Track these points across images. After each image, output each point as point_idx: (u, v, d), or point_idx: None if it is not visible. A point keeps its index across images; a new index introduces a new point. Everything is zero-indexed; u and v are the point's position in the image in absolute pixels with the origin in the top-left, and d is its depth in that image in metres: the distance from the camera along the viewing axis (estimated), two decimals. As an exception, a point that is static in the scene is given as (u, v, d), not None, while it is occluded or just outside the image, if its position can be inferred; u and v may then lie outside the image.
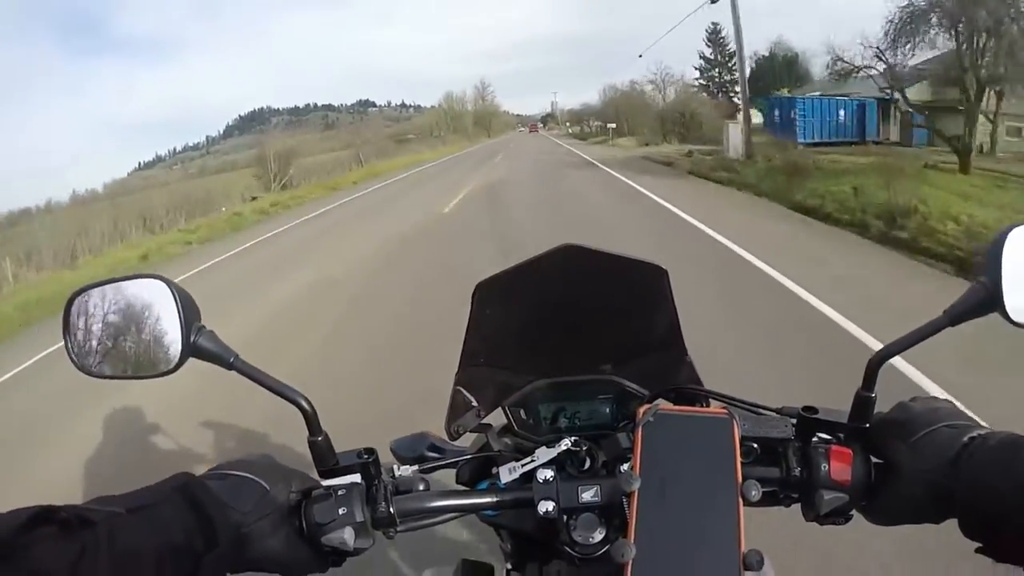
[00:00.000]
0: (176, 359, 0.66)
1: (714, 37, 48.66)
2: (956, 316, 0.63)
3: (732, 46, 41.46)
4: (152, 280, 0.67)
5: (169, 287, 0.66)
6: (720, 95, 46.46)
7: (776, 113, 24.05)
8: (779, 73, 39.30)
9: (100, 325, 0.68)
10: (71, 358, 0.67)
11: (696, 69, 50.34)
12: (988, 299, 0.62)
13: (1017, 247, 0.62)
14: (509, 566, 0.88)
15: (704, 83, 49.85)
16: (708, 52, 49.76)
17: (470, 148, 54.45)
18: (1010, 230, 0.63)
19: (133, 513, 0.56)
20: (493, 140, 75.97)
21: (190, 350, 0.66)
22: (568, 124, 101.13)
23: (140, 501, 0.58)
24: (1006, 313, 0.61)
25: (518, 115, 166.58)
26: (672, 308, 0.82)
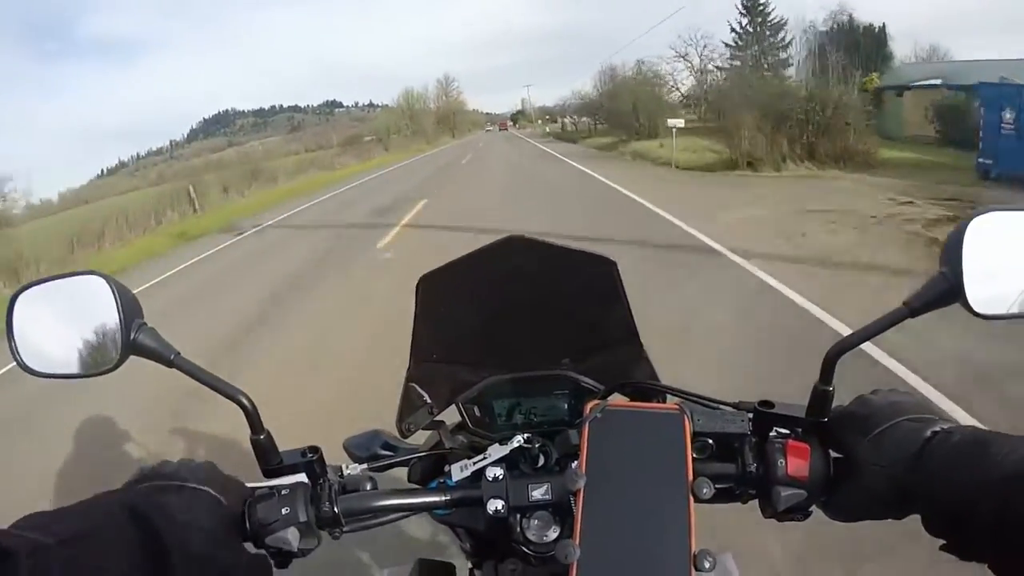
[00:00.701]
0: (116, 357, 0.67)
1: (751, 3, 35.08)
2: (917, 307, 0.63)
3: (777, 13, 33.59)
4: (91, 276, 0.68)
5: (109, 284, 0.67)
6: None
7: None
8: (855, 50, 23.95)
9: (43, 323, 0.69)
10: (15, 358, 0.67)
11: (726, 46, 36.22)
12: (949, 290, 0.62)
13: (977, 238, 0.62)
14: (470, 565, 0.89)
15: (734, 64, 35.12)
16: (741, 24, 35.30)
17: (416, 158, 40.04)
18: (970, 221, 0.63)
19: (64, 545, 0.49)
20: (456, 142, 65.88)
21: (130, 348, 0.66)
22: (541, 122, 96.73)
23: (75, 528, 0.51)
24: (967, 303, 0.61)
25: (488, 113, 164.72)
26: (624, 302, 0.83)
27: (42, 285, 0.70)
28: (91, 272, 0.68)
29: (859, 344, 0.66)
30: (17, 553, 0.46)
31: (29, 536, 0.48)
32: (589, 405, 0.66)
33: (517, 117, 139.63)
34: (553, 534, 0.71)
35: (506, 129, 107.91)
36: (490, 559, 0.80)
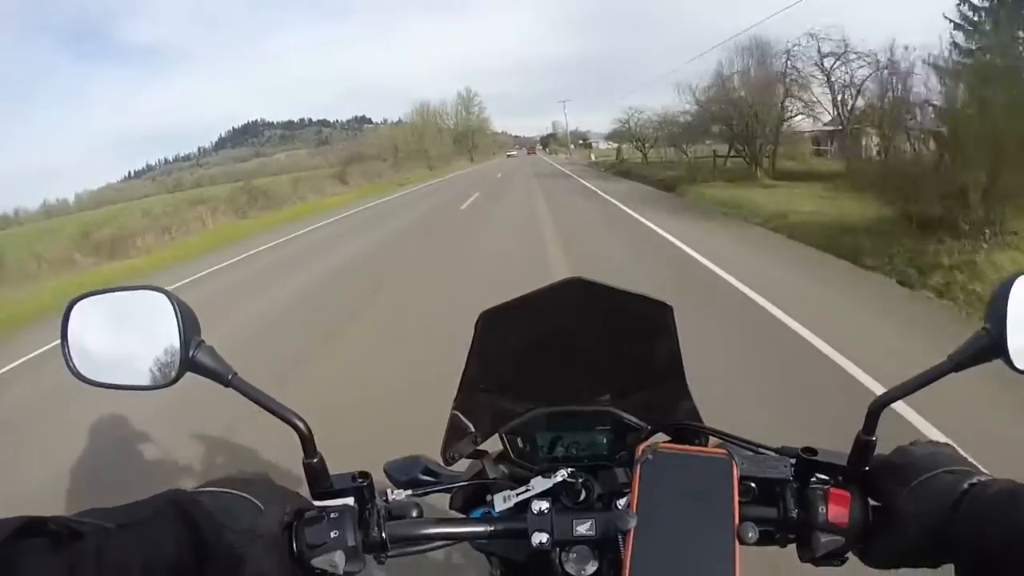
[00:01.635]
0: (174, 373, 0.69)
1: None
2: (960, 362, 0.66)
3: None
4: (153, 292, 0.71)
5: (170, 300, 0.70)
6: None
7: None
8: None
9: (99, 334, 0.72)
10: (68, 364, 0.70)
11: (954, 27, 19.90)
12: (992, 345, 0.65)
13: (1021, 295, 0.65)
14: None
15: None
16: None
17: (405, 192, 32.57)
18: (1016, 278, 0.66)
19: (123, 529, 0.58)
20: (469, 170, 59.35)
21: (188, 364, 0.69)
22: (574, 146, 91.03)
23: (131, 516, 0.60)
24: (1009, 360, 0.65)
25: (516, 136, 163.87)
26: (675, 344, 0.86)
27: (101, 295, 0.73)
28: (153, 287, 0.72)
29: (901, 398, 0.69)
30: (85, 534, 0.55)
31: (94, 522, 0.57)
32: (640, 447, 0.70)
33: (548, 140, 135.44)
34: (591, 568, 0.74)
35: (534, 153, 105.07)
36: None
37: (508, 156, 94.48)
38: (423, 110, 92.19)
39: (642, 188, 22.02)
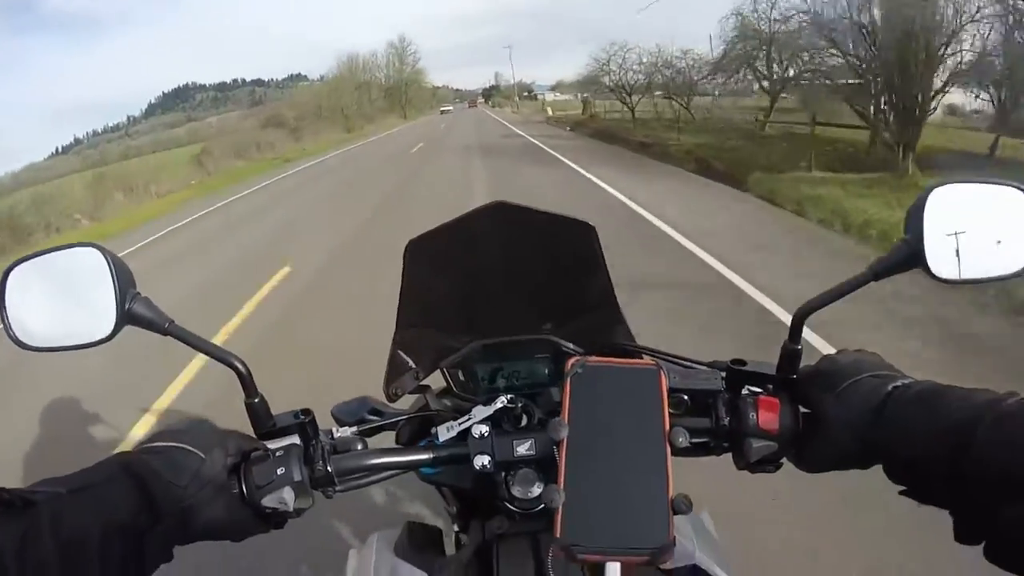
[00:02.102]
0: (112, 327, 0.72)
1: None
2: (880, 271, 0.72)
3: None
4: (86, 248, 0.73)
5: (104, 255, 0.72)
6: None
7: None
8: None
9: (36, 297, 0.73)
10: (8, 333, 0.72)
11: None
12: (911, 255, 0.70)
13: (938, 206, 0.70)
14: (456, 528, 0.97)
15: None
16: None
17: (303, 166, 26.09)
18: (931, 190, 0.71)
19: (75, 494, 0.61)
20: (396, 130, 52.50)
21: (125, 317, 0.72)
22: (519, 99, 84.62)
23: (81, 482, 0.63)
24: (928, 268, 0.70)
25: (457, 90, 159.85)
26: (603, 266, 0.90)
27: (35, 259, 0.75)
28: (86, 244, 0.73)
29: (824, 305, 0.74)
30: (38, 503, 0.58)
31: (47, 489, 0.60)
32: (570, 361, 0.73)
33: (491, 93, 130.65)
34: (537, 490, 0.78)
35: (475, 106, 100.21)
36: (476, 519, 0.86)
37: (442, 112, 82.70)
38: (351, 63, 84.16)
39: (679, 175, 13.16)
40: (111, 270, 0.71)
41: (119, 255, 0.73)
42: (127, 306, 0.72)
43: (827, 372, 0.75)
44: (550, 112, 46.57)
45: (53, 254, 0.74)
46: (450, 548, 1.01)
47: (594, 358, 0.73)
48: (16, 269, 0.74)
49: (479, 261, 0.90)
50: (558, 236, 0.90)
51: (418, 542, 0.92)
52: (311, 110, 60.24)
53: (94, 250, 0.72)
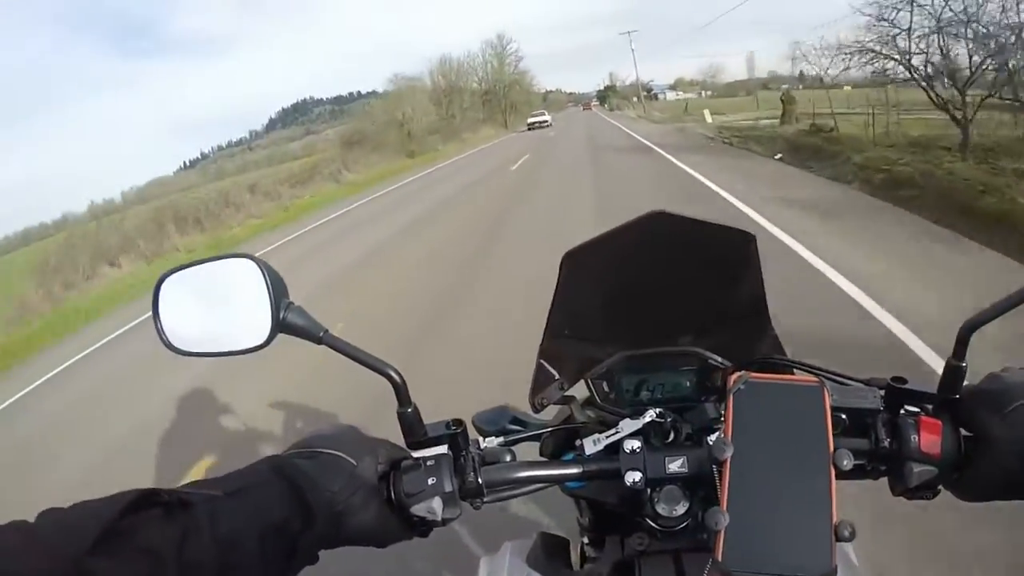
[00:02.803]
0: (266, 335, 0.75)
1: None
2: None
3: None
4: (241, 260, 0.77)
5: (258, 265, 0.75)
6: None
7: None
8: None
9: (190, 305, 0.78)
10: (161, 337, 0.77)
11: None
12: None
13: None
14: (585, 540, 0.97)
15: None
16: None
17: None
18: None
19: (231, 496, 0.64)
20: (485, 147, 39.09)
21: (280, 326, 0.75)
22: (637, 100, 74.01)
23: (236, 484, 0.66)
24: None
25: (569, 93, 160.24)
26: (759, 276, 0.89)
27: (189, 268, 0.79)
28: (241, 255, 0.77)
29: (991, 320, 0.70)
30: (195, 504, 0.61)
31: (203, 492, 0.64)
32: (733, 377, 0.72)
33: (606, 94, 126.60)
34: (681, 508, 0.77)
35: (589, 109, 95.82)
36: (612, 534, 0.87)
37: (530, 126, 51.35)
38: (443, 67, 72.53)
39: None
40: (266, 280, 0.74)
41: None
42: (282, 315, 0.75)
43: (993, 392, 0.70)
44: (709, 119, 29.29)
45: (207, 264, 0.79)
46: (575, 560, 1.01)
47: (755, 374, 0.72)
48: (170, 278, 0.78)
49: (632, 271, 0.91)
50: (716, 246, 0.89)
51: (549, 553, 0.93)
52: (372, 129, 46.76)
53: (249, 261, 0.76)
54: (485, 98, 77.16)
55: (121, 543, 0.55)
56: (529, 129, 46.41)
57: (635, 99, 75.50)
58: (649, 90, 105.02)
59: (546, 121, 51.65)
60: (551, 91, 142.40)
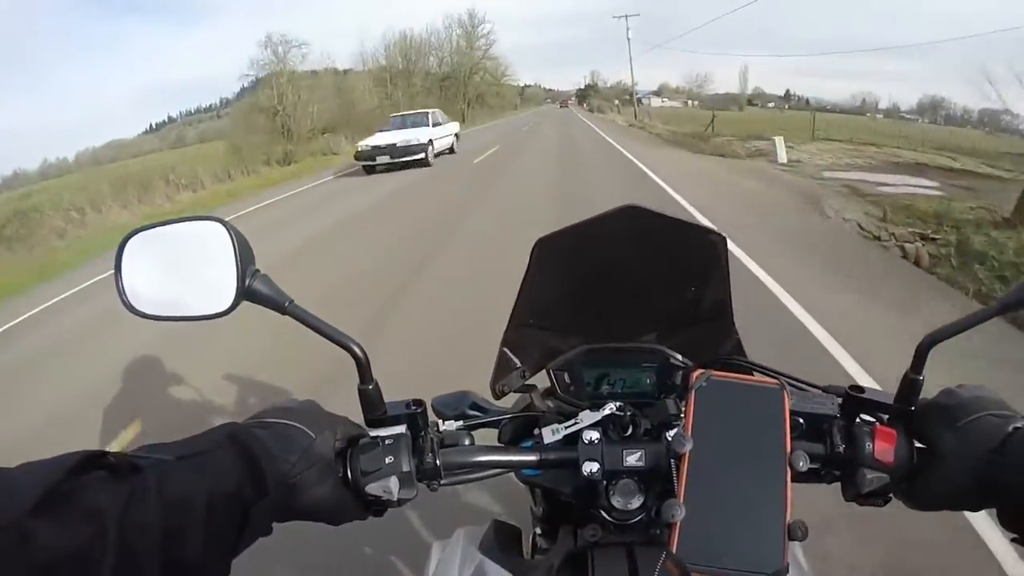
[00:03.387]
0: (230, 301, 0.75)
1: None
2: (1007, 305, 0.72)
3: None
4: (209, 223, 0.77)
5: (227, 229, 0.75)
6: None
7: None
8: None
9: (153, 266, 0.78)
10: (121, 298, 0.76)
11: None
12: None
13: None
14: (538, 530, 0.99)
15: None
16: None
17: None
18: None
19: (182, 460, 0.64)
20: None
21: (244, 293, 0.75)
22: (619, 102, 73.40)
23: (189, 449, 0.66)
24: None
25: (548, 89, 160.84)
26: (726, 279, 0.92)
27: (156, 228, 0.79)
28: (209, 217, 0.77)
29: (951, 336, 0.74)
30: (144, 467, 0.61)
31: (153, 456, 0.63)
32: (695, 374, 0.76)
33: (586, 93, 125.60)
34: (636, 502, 0.80)
35: (566, 107, 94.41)
36: (565, 524, 0.90)
37: (371, 160, 19.80)
38: (398, 47, 60.58)
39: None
40: (234, 245, 0.75)
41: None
42: (247, 282, 0.75)
43: (947, 406, 0.75)
44: (785, 155, 16.19)
45: (175, 225, 0.79)
46: (527, 549, 1.04)
47: (718, 372, 0.76)
48: (135, 237, 0.78)
49: (601, 264, 0.93)
50: (686, 245, 0.92)
51: (502, 541, 0.95)
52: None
53: (218, 224, 0.76)
54: (443, 83, 63.96)
55: (64, 504, 0.55)
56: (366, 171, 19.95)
57: (617, 101, 72.93)
58: (630, 93, 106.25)
59: (522, 116, 46.09)
60: (529, 85, 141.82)
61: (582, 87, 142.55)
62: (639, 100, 64.70)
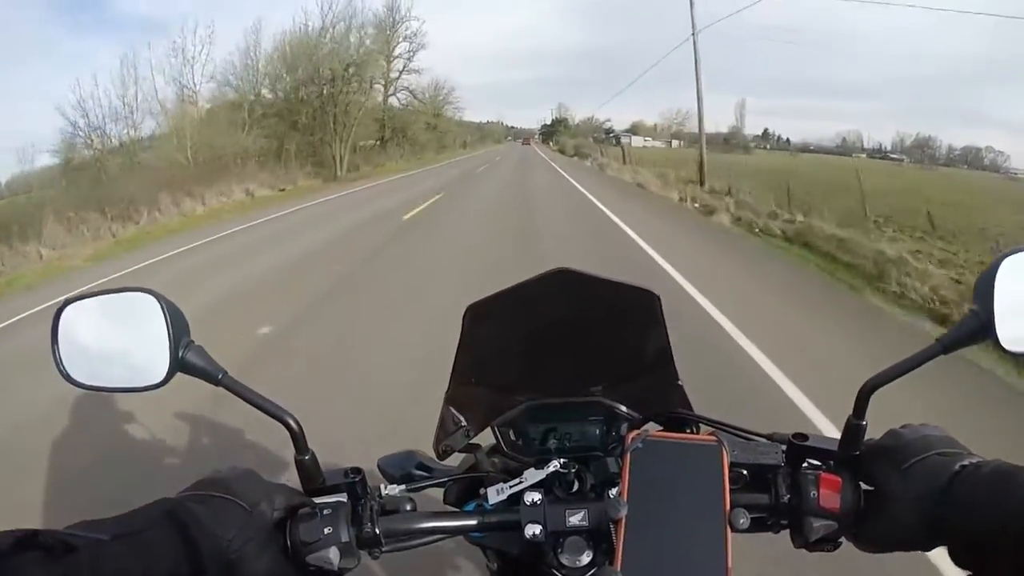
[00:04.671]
0: (164, 374, 0.79)
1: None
2: (949, 344, 0.76)
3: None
4: (142, 294, 0.80)
5: (159, 301, 0.79)
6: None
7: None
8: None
9: (89, 337, 0.81)
10: (58, 368, 0.79)
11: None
12: (980, 327, 0.74)
13: (1008, 277, 0.74)
14: None
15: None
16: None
17: None
18: (1002, 260, 0.75)
19: (117, 540, 0.65)
20: None
21: (178, 365, 0.79)
22: (603, 142, 65.29)
23: (125, 528, 0.67)
24: (998, 341, 0.74)
25: (511, 127, 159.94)
26: (664, 332, 0.97)
27: (91, 299, 0.82)
28: (141, 289, 0.81)
29: (892, 380, 0.78)
30: (79, 548, 0.62)
31: (88, 535, 0.64)
32: (630, 436, 0.81)
33: (555, 130, 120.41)
34: (586, 559, 0.83)
35: (528, 144, 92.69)
36: None
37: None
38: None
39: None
40: (166, 317, 0.78)
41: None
42: (180, 354, 0.79)
43: (892, 448, 0.79)
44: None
45: (109, 296, 0.83)
46: None
47: (654, 432, 0.80)
48: (70, 307, 0.82)
49: (538, 323, 0.98)
50: (620, 302, 0.97)
51: None
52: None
53: (150, 296, 0.80)
54: (294, 114, 37.18)
55: None
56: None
57: (591, 139, 63.40)
58: (609, 131, 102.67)
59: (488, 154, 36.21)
60: (488, 122, 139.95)
61: (548, 122, 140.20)
62: (615, 139, 60.64)
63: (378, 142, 46.61)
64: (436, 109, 61.45)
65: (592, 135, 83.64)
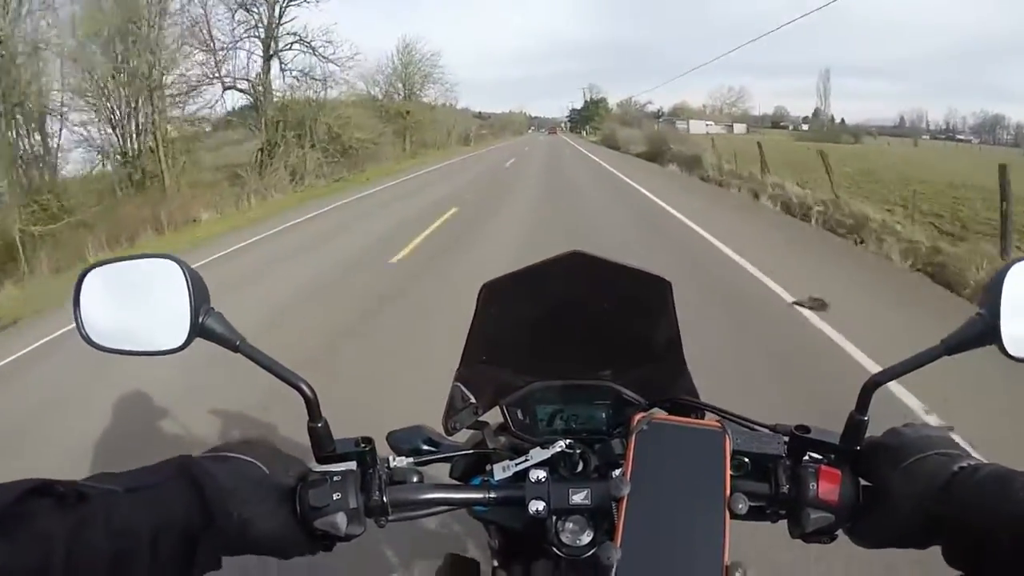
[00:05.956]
0: (183, 339, 0.83)
1: None
2: (953, 346, 0.80)
3: None
4: (164, 260, 0.85)
5: (181, 267, 0.84)
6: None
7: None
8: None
9: (110, 301, 0.87)
10: (80, 331, 0.85)
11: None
12: (986, 331, 0.78)
13: (1017, 282, 0.78)
14: (495, 563, 1.07)
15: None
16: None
17: None
18: (1012, 265, 0.79)
19: (131, 492, 0.71)
20: None
21: (197, 330, 0.83)
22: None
23: (139, 481, 0.73)
24: (1002, 346, 0.78)
25: (534, 117, 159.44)
26: (674, 320, 1.02)
27: (113, 264, 0.88)
28: (164, 256, 0.86)
29: (896, 378, 0.83)
30: (91, 497, 0.68)
31: (102, 486, 0.70)
32: (636, 417, 0.85)
33: (589, 114, 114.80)
34: (587, 538, 0.88)
35: (555, 134, 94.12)
36: (519, 559, 0.99)
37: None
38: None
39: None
40: (188, 283, 0.83)
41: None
42: (200, 319, 0.84)
43: (893, 446, 0.84)
44: None
45: (131, 262, 0.88)
46: None
47: (659, 415, 0.85)
48: (93, 272, 0.88)
49: (550, 305, 1.03)
50: (632, 287, 1.02)
51: (459, 575, 1.04)
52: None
53: (172, 263, 0.85)
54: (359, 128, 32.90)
55: (15, 527, 0.61)
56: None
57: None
58: (659, 115, 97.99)
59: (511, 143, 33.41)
60: (510, 112, 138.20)
61: (577, 107, 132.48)
62: (671, 123, 54.96)
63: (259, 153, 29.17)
64: (407, 88, 50.61)
65: (633, 121, 68.85)
